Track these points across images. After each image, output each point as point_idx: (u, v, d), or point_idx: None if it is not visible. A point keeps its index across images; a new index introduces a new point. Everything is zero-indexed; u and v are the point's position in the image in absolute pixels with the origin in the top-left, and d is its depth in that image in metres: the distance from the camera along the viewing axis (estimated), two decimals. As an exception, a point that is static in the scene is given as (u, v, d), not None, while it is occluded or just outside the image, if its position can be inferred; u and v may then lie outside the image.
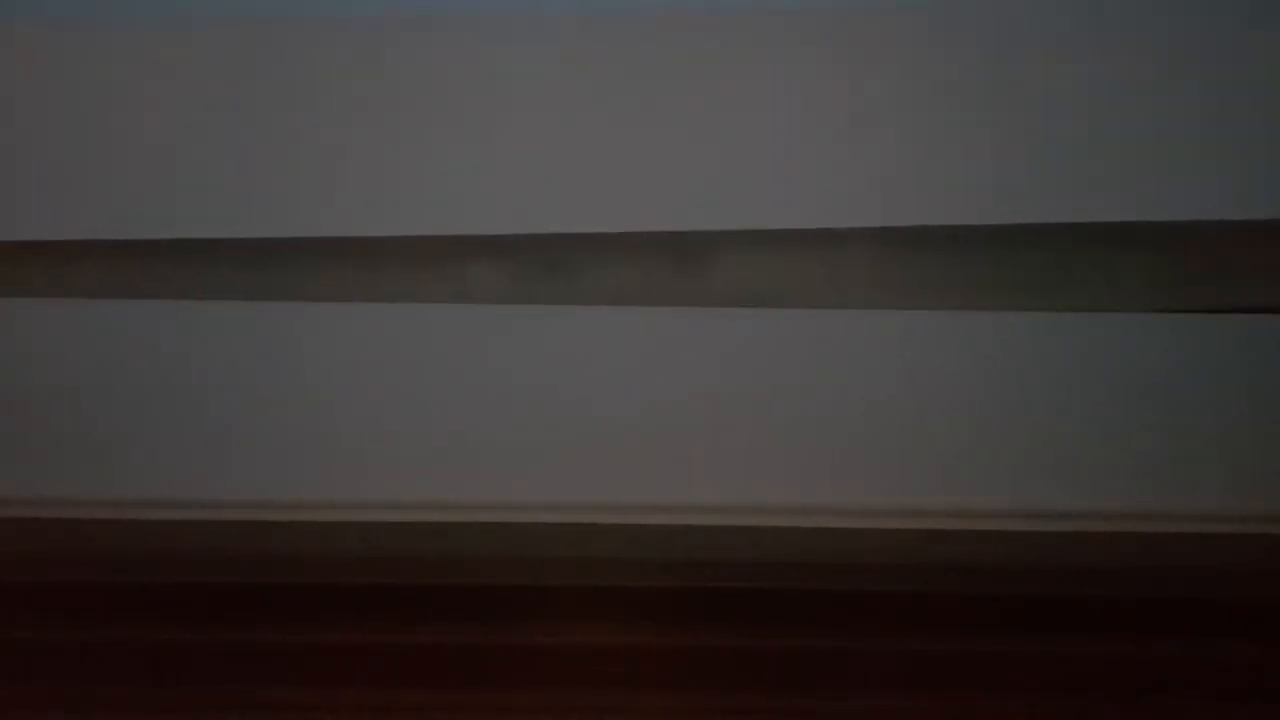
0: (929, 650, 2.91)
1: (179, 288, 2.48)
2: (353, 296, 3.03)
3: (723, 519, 3.39)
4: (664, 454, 4.21)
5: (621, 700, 2.91)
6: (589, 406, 4.46)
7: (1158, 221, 2.09)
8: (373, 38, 2.34)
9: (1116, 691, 3.02)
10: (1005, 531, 3.39)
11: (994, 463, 4.07)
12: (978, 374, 4.77)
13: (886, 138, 2.27)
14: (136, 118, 2.36)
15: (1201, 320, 2.74)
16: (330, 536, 3.44)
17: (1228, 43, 2.14)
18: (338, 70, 2.42)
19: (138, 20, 2.10)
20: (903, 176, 2.23)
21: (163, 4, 2.05)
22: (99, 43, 2.42)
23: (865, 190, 2.27)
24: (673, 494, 3.74)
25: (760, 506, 3.43)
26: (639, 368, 4.73)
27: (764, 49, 2.51)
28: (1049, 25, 2.23)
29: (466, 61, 2.50)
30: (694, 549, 3.27)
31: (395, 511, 3.40)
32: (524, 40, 2.46)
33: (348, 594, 3.15)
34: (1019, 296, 2.21)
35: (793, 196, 2.35)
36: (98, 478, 3.77)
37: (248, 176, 2.62)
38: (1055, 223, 2.12)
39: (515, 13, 2.15)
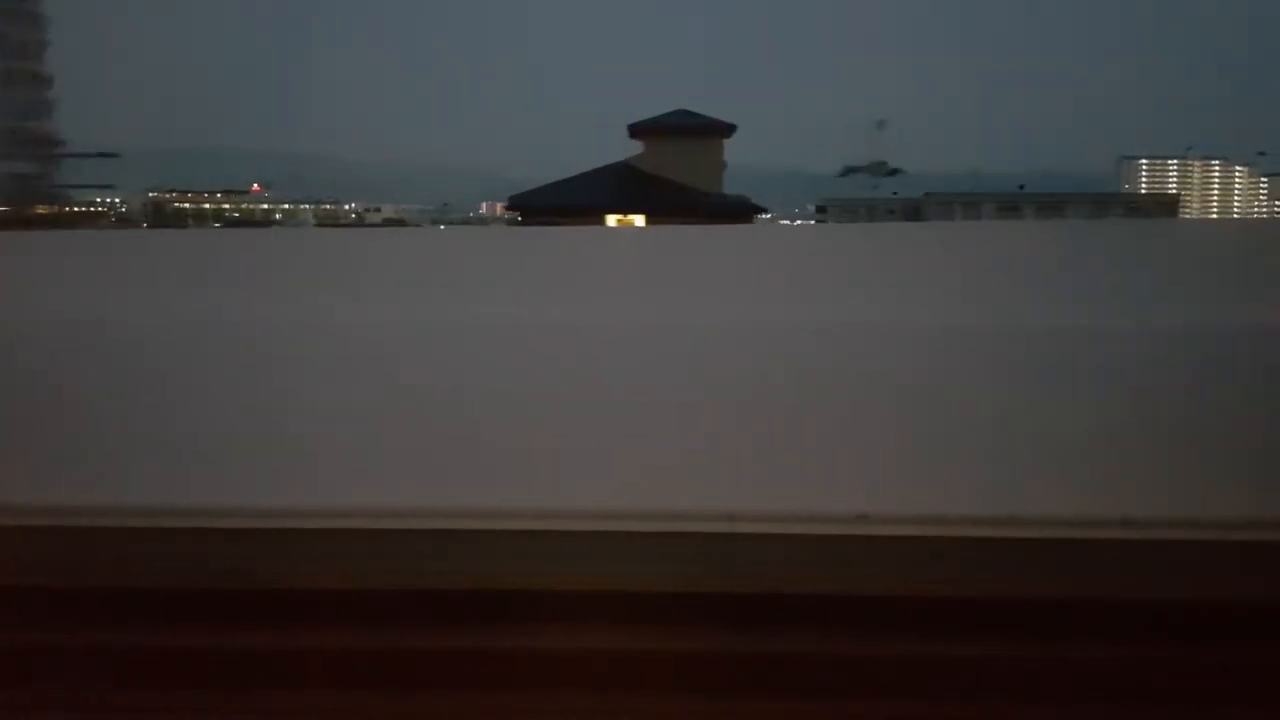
0: (924, 655, 2.87)
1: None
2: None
3: (720, 526, 3.32)
4: (660, 462, 4.10)
5: (617, 704, 2.87)
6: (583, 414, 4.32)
7: None
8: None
9: (1117, 695, 2.96)
10: (1005, 538, 3.32)
11: (994, 471, 3.97)
12: (974, 382, 4.70)
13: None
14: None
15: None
16: (328, 543, 3.39)
17: None
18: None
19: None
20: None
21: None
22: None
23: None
24: (669, 502, 3.66)
25: (758, 514, 3.37)
26: (634, 376, 4.65)
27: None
28: None
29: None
30: (690, 556, 3.20)
31: (392, 519, 3.37)
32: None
33: (346, 599, 3.11)
34: None
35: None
36: (98, 485, 3.73)
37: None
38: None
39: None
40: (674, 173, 40.21)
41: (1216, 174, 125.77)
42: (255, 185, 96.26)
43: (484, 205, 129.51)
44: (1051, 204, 63.63)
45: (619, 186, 41.14)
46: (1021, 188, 63.66)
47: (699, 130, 42.87)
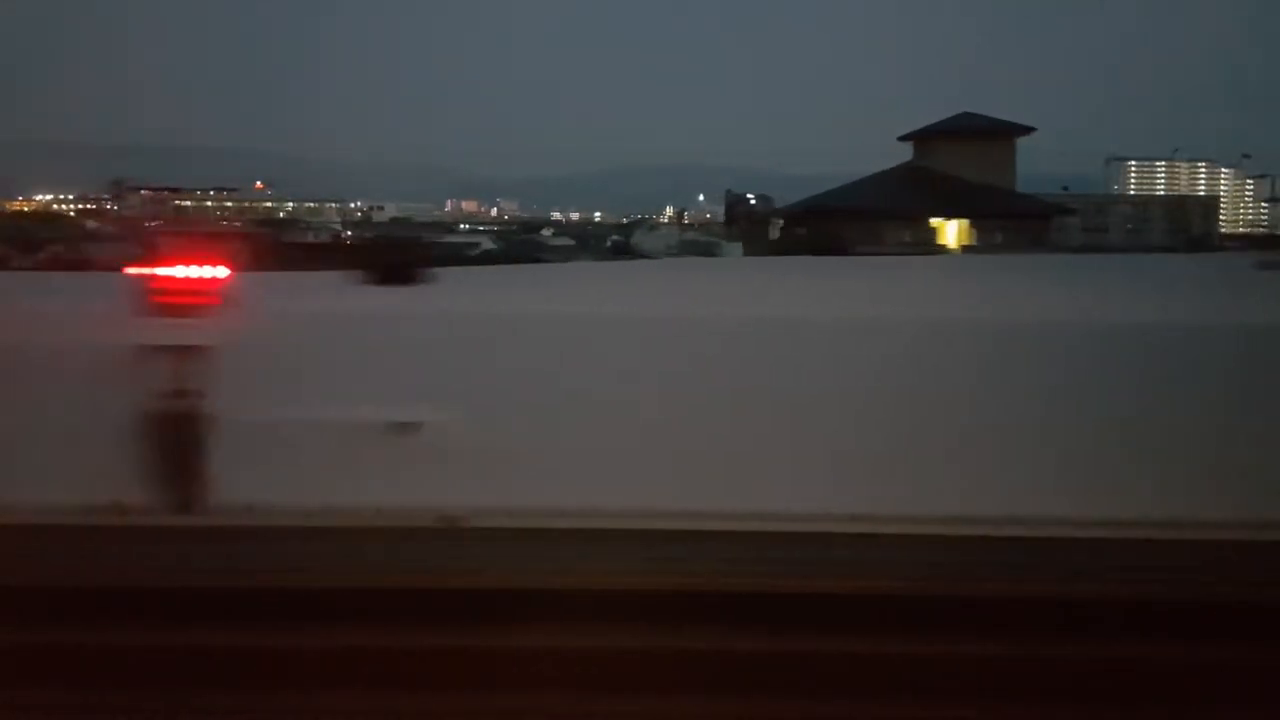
0: (926, 655, 2.88)
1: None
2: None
3: (726, 524, 3.36)
4: (666, 461, 4.21)
5: (616, 705, 2.87)
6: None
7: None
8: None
9: (1119, 696, 2.98)
10: (1009, 538, 3.38)
11: (997, 472, 4.08)
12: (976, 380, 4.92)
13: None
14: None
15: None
16: (325, 541, 3.40)
17: None
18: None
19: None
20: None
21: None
22: None
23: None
24: (673, 501, 3.73)
25: (763, 514, 3.40)
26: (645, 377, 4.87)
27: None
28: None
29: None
30: (692, 555, 3.24)
31: (390, 517, 3.37)
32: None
33: (343, 598, 3.11)
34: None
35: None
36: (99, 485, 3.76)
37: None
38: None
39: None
40: (965, 175, 39.84)
41: (1203, 175, 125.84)
42: (258, 183, 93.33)
43: (449, 202, 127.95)
44: (1092, 206, 63.45)
45: (914, 189, 40.68)
46: (1065, 188, 63.59)
47: (988, 132, 42.17)
